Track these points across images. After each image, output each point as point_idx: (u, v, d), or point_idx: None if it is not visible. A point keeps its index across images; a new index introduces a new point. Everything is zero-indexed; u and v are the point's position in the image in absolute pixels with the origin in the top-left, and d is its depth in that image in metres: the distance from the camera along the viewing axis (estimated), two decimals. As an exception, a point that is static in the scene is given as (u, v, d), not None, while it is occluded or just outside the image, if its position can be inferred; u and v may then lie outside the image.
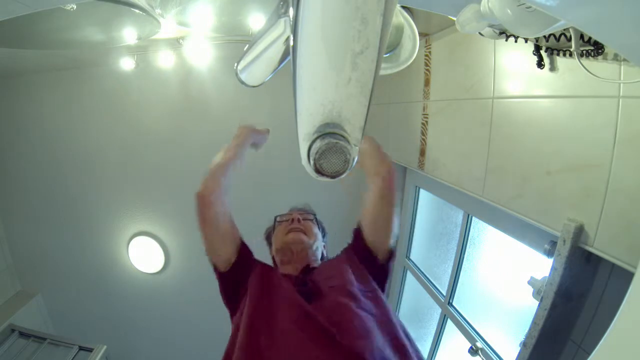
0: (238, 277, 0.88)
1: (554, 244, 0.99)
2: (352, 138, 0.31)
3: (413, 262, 2.23)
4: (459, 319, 1.66)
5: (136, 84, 2.26)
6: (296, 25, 0.25)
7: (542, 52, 0.92)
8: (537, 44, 0.92)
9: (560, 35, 0.81)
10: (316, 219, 1.11)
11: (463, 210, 1.65)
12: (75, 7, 0.93)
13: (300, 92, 0.29)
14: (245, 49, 0.58)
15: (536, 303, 1.01)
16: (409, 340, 0.72)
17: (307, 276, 0.87)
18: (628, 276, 0.50)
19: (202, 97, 2.33)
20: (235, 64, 0.60)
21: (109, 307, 2.65)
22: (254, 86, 0.63)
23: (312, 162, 0.31)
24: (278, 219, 1.10)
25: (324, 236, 1.11)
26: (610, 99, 0.78)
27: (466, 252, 1.67)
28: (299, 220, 1.05)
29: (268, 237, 1.12)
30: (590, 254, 0.86)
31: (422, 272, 2.09)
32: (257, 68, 0.58)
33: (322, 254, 1.05)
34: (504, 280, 1.47)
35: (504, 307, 1.46)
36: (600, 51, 0.75)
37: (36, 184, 2.39)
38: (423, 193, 2.16)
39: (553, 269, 0.93)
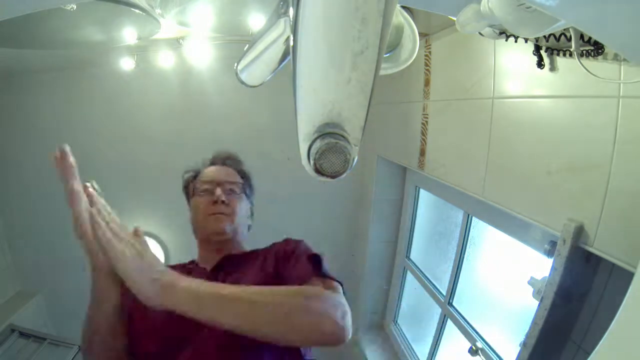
0: None
1: (554, 244, 0.99)
2: (352, 138, 0.31)
3: (413, 262, 2.23)
4: (459, 319, 1.66)
5: (136, 84, 2.26)
6: (296, 25, 0.25)
7: (542, 52, 0.92)
8: (537, 44, 0.92)
9: (560, 35, 0.81)
10: (243, 179, 0.95)
11: (463, 210, 1.65)
12: (75, 7, 0.93)
13: (300, 92, 0.29)
14: (245, 49, 0.58)
15: (536, 303, 1.01)
16: None
17: (220, 272, 0.82)
18: (628, 276, 0.50)
19: (202, 97, 2.33)
20: (235, 64, 0.60)
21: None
22: (254, 86, 0.63)
23: (312, 162, 0.31)
24: (198, 185, 0.92)
25: (250, 197, 0.96)
26: (610, 99, 0.78)
27: (466, 252, 1.67)
28: (222, 201, 0.87)
29: (186, 191, 0.98)
30: (590, 254, 0.86)
31: (422, 272, 2.09)
32: (257, 68, 0.58)
33: (249, 226, 0.96)
34: (504, 280, 1.46)
35: (504, 307, 1.46)
36: (600, 51, 0.75)
37: (36, 183, 2.39)
38: (423, 193, 2.16)
39: (553, 269, 0.93)
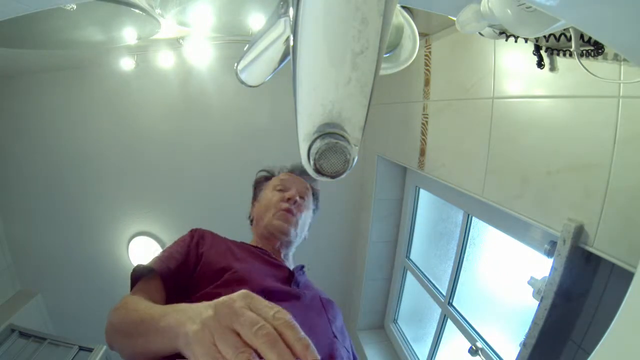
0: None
1: (554, 244, 0.99)
2: (352, 138, 0.31)
3: (413, 262, 2.23)
4: (459, 319, 1.66)
5: (136, 84, 2.26)
6: (296, 25, 0.25)
7: (542, 52, 0.92)
8: (537, 44, 0.92)
9: (560, 35, 0.81)
10: (314, 195, 1.01)
11: (463, 210, 1.65)
12: (75, 7, 0.93)
13: (300, 92, 0.29)
14: (245, 49, 0.58)
15: (536, 303, 1.01)
16: None
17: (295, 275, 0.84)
18: (628, 276, 0.50)
19: (202, 97, 2.33)
20: (235, 64, 0.60)
21: (109, 307, 2.64)
22: (254, 86, 0.63)
23: (312, 162, 0.31)
24: (274, 182, 0.98)
25: (315, 213, 1.02)
26: (610, 99, 0.78)
27: (466, 252, 1.67)
28: (295, 201, 0.92)
29: (256, 187, 1.03)
30: (590, 254, 0.86)
31: (422, 272, 2.09)
32: (257, 68, 0.58)
33: (305, 237, 1.00)
34: (504, 280, 1.47)
35: (504, 307, 1.46)
36: (600, 51, 0.75)
37: (36, 184, 2.39)
38: (423, 193, 2.16)
39: (553, 269, 0.93)
